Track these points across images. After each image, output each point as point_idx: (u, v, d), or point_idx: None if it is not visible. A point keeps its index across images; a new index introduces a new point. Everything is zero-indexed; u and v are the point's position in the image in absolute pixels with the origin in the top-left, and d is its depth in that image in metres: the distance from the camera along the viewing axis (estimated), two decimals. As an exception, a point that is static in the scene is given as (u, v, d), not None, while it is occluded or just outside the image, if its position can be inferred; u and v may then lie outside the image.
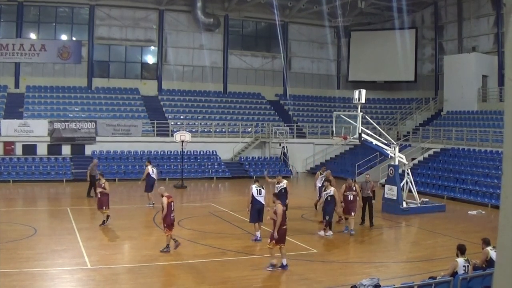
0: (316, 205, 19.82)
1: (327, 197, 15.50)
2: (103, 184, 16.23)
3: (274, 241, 11.59)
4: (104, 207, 16.07)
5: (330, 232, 15.53)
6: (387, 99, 39.98)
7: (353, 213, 15.77)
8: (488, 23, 33.39)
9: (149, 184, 20.48)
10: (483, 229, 16.05)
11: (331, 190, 15.48)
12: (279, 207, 11.69)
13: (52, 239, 14.30)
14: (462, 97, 32.34)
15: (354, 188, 16.13)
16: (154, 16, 36.51)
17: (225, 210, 19.75)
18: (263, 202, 14.58)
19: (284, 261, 11.82)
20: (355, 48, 39.81)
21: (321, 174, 20.08)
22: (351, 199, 15.92)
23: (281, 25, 37.97)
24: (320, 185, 19.67)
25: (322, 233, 15.51)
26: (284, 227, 11.72)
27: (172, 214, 12.83)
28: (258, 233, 14.65)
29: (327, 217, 15.48)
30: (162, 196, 12.90)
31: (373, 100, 39.05)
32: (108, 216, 16.13)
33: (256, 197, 14.63)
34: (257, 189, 14.65)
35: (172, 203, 12.89)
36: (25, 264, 11.77)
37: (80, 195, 22.60)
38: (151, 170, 20.83)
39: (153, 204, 19.62)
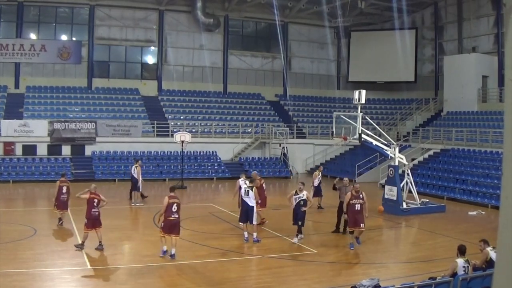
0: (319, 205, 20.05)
1: (299, 201, 14.25)
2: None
3: (162, 230, 12.47)
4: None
5: (301, 236, 14.55)
6: (387, 100, 39.99)
7: (362, 225, 13.81)
8: (488, 23, 33.39)
9: (135, 184, 20.77)
10: (483, 230, 16.04)
11: (304, 193, 14.35)
12: (165, 199, 12.51)
13: (52, 240, 14.32)
14: (462, 98, 32.34)
15: (361, 196, 13.99)
16: (154, 16, 36.52)
17: (225, 210, 19.74)
18: (250, 204, 14.44)
19: (173, 250, 12.47)
20: (355, 48, 39.82)
21: (319, 174, 20.18)
22: (358, 208, 13.83)
23: (281, 25, 37.98)
24: (316, 185, 19.94)
25: (295, 240, 14.45)
26: (170, 218, 12.34)
27: (93, 210, 13.09)
28: (245, 233, 14.71)
29: (300, 222, 14.32)
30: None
31: (373, 101, 39.06)
32: (60, 218, 16.20)
33: (244, 198, 14.63)
34: (245, 190, 14.65)
35: (95, 200, 13.17)
36: (25, 264, 11.76)
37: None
38: (133, 169, 21.03)
39: (142, 204, 20.65)
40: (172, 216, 12.42)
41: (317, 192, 20.07)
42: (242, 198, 14.67)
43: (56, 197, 16.03)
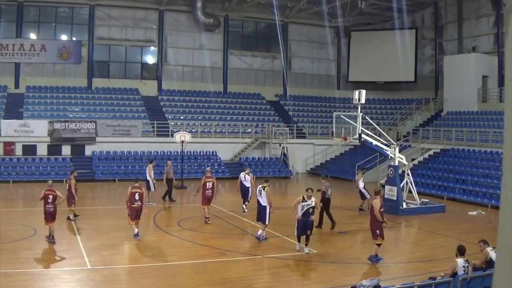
0: (361, 208, 19.75)
1: (307, 209, 13.01)
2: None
3: (130, 218, 14.34)
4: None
5: (299, 246, 13.44)
6: (387, 100, 39.98)
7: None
8: (488, 23, 33.38)
9: (147, 184, 20.86)
10: (483, 230, 16.04)
11: (313, 200, 13.14)
12: (128, 190, 14.47)
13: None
14: (462, 98, 32.33)
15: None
16: (154, 16, 36.51)
17: (225, 210, 19.76)
18: (263, 203, 14.51)
19: (135, 231, 14.42)
20: (355, 48, 39.82)
21: (363, 175, 20.32)
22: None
23: (281, 25, 37.97)
24: (362, 186, 19.97)
25: (301, 248, 13.46)
26: (134, 205, 14.21)
27: (47, 206, 13.77)
28: (260, 232, 14.77)
29: (309, 232, 13.18)
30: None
31: (373, 101, 39.05)
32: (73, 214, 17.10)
33: (257, 197, 14.80)
34: (259, 190, 14.79)
35: (50, 196, 13.79)
36: (25, 264, 11.78)
37: (80, 195, 22.49)
38: (147, 170, 21.26)
39: (155, 204, 20.67)
40: (136, 203, 14.28)
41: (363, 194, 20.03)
42: (256, 197, 14.89)
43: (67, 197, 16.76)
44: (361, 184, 19.99)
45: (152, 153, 31.00)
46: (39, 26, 34.53)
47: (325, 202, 16.68)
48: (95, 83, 35.09)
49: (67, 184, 17.13)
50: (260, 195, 14.61)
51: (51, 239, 13.75)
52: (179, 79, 37.28)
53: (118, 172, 28.85)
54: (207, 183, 17.04)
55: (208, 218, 17.11)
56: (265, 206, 14.48)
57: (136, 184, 14.72)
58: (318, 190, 16.80)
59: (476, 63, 32.15)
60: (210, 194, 17.03)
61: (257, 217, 14.89)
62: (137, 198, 14.26)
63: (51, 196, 13.82)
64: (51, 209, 13.80)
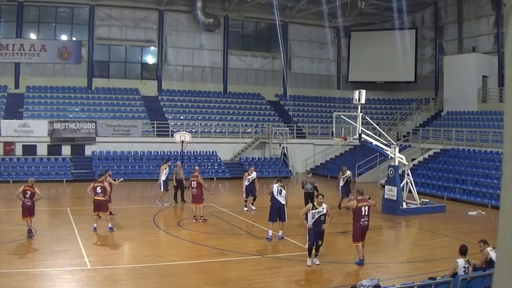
0: (340, 206, 19.33)
1: (319, 217, 11.89)
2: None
3: (93, 211, 15.47)
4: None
5: (316, 261, 12.26)
6: (387, 100, 39.99)
7: None
8: (488, 23, 33.39)
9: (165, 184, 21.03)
10: (483, 230, 16.03)
11: (324, 207, 11.99)
12: (91, 184, 15.73)
13: (52, 240, 14.30)
14: (462, 98, 32.34)
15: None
16: (154, 16, 36.52)
17: (225, 210, 19.77)
18: (283, 202, 14.70)
19: (109, 225, 15.48)
20: (355, 48, 39.82)
21: (343, 174, 20.34)
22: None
23: (281, 25, 37.97)
24: (342, 185, 20.22)
25: (312, 261, 12.24)
26: (96, 198, 15.34)
27: (25, 200, 14.38)
28: (270, 232, 14.78)
29: (320, 242, 12.10)
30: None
31: (373, 101, 39.06)
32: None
33: (276, 197, 14.81)
34: (277, 189, 14.84)
35: (28, 192, 14.43)
36: (25, 264, 11.78)
37: (80, 195, 22.59)
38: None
39: (161, 204, 20.76)
40: (97, 196, 15.37)
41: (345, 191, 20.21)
42: (274, 197, 14.89)
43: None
44: (341, 183, 20.26)
45: (152, 153, 31.02)
46: (39, 26, 34.54)
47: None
48: (95, 83, 35.10)
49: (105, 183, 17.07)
50: (280, 194, 14.75)
51: (29, 233, 14.27)
52: (179, 79, 37.27)
53: (118, 172, 28.74)
54: (192, 182, 17.55)
55: (195, 216, 17.29)
56: (284, 205, 14.73)
57: (100, 179, 15.93)
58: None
59: (476, 63, 32.16)
60: (195, 192, 17.33)
61: (272, 217, 14.70)
62: (99, 191, 15.40)
63: (29, 192, 14.43)
64: (29, 203, 14.37)
